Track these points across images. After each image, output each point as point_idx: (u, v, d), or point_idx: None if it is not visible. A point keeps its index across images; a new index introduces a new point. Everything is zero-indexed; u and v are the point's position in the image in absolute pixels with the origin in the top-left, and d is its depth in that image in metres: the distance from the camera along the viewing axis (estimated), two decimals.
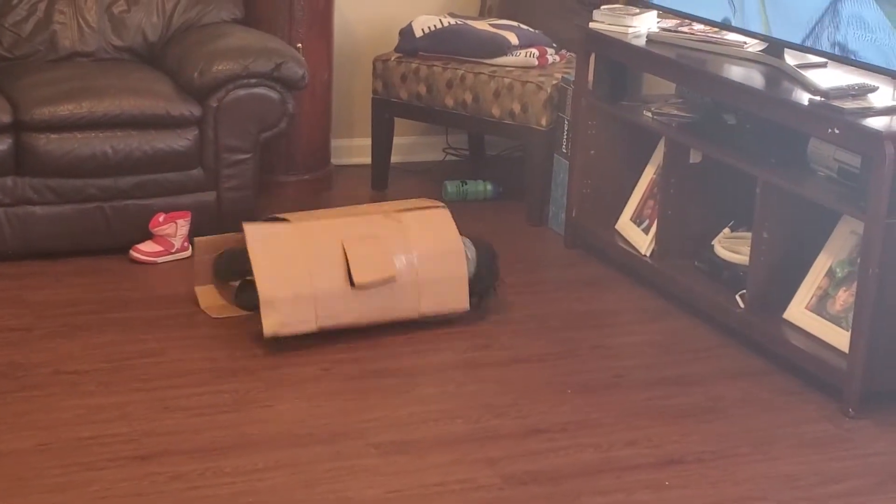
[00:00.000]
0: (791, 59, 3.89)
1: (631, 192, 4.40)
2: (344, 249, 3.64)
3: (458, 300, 3.81)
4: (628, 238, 4.34)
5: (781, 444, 3.26)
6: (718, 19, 4.11)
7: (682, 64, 4.05)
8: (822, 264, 3.66)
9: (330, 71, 5.01)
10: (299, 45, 4.80)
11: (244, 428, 3.21)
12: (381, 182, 5.13)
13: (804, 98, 3.56)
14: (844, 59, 3.62)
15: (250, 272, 3.60)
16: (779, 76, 3.83)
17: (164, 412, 3.26)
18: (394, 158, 5.18)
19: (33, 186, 4.12)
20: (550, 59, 4.86)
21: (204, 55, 4.34)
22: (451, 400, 3.42)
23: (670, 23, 4.37)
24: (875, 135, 3.28)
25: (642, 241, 4.25)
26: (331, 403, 3.36)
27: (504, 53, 4.81)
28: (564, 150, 4.62)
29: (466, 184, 5.06)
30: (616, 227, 4.42)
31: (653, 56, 4.16)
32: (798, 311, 3.67)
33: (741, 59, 4.01)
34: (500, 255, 4.01)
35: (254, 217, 4.37)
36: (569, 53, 4.90)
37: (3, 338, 3.64)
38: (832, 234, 3.66)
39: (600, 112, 4.42)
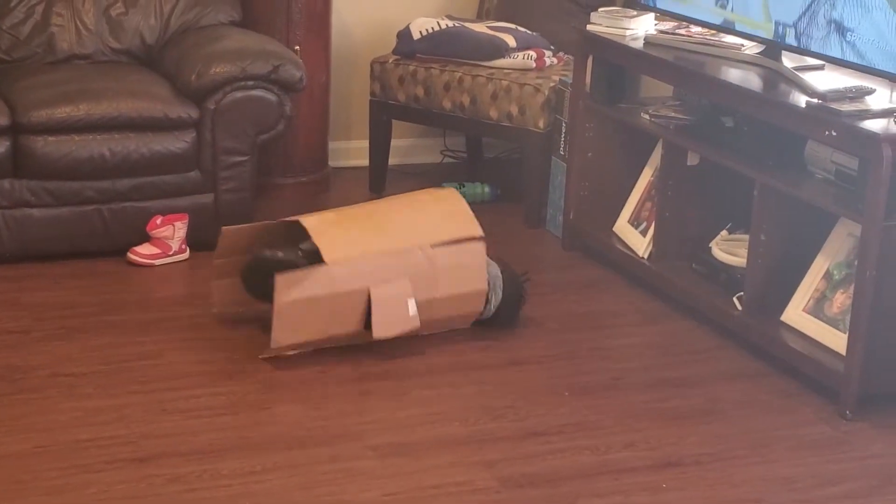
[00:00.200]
0: (788, 61, 3.89)
1: (628, 195, 4.40)
2: (369, 297, 3.56)
3: (464, 323, 3.83)
4: (626, 240, 4.34)
5: (779, 447, 3.26)
6: (717, 17, 4.11)
7: (680, 66, 4.06)
8: (819, 267, 3.67)
9: (327, 73, 5.01)
10: (297, 47, 4.80)
11: (242, 430, 3.21)
12: (379, 184, 5.13)
13: (801, 100, 3.56)
14: (842, 61, 3.63)
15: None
16: (776, 78, 3.83)
17: (162, 414, 3.26)
18: (391, 161, 5.19)
19: (31, 189, 4.12)
20: (548, 61, 4.86)
21: (201, 57, 4.34)
22: (448, 402, 3.42)
23: (668, 25, 4.38)
24: (872, 137, 3.28)
25: (640, 244, 4.25)
26: (328, 406, 3.36)
27: (502, 56, 4.81)
28: (562, 153, 4.62)
29: (464, 186, 5.06)
30: (614, 229, 4.42)
31: (650, 58, 4.16)
32: (795, 314, 3.67)
33: (739, 61, 4.01)
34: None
35: (251, 219, 4.38)
36: (566, 56, 4.90)
37: (0, 340, 3.64)
38: (829, 236, 3.66)
39: (598, 114, 4.43)
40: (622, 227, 4.39)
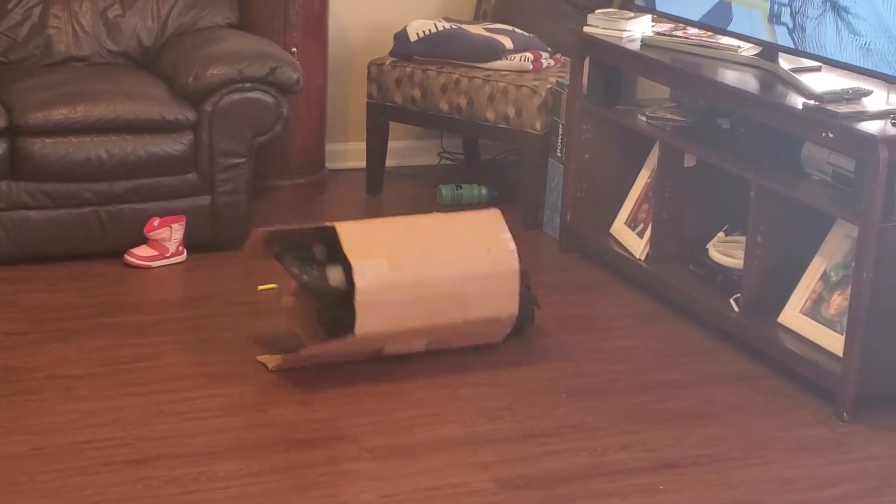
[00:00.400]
0: (785, 63, 3.89)
1: (625, 196, 4.40)
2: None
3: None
4: (623, 242, 4.34)
5: (776, 448, 3.26)
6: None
7: (677, 68, 4.06)
8: (816, 268, 3.67)
9: (325, 75, 5.01)
10: (294, 49, 4.80)
11: (238, 432, 3.21)
12: (376, 186, 5.13)
13: (798, 102, 3.56)
14: (839, 63, 3.63)
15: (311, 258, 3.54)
16: (773, 80, 3.83)
17: (159, 416, 3.26)
18: (388, 162, 5.18)
19: (28, 191, 4.12)
20: (545, 63, 4.86)
21: (199, 59, 4.34)
22: (445, 404, 3.42)
23: (665, 27, 4.38)
24: (869, 139, 3.28)
25: (637, 245, 4.25)
26: (324, 407, 3.35)
27: (498, 57, 4.81)
28: (559, 154, 4.62)
29: (461, 188, 5.06)
30: (610, 230, 4.42)
31: (647, 60, 4.16)
32: (792, 315, 3.67)
33: (735, 63, 4.01)
34: None
35: (248, 221, 4.38)
36: (563, 57, 4.90)
37: None
38: (826, 237, 3.66)
39: (595, 116, 4.43)
40: (619, 228, 4.39)
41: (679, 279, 4.04)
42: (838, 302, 3.56)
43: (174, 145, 4.24)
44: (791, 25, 3.77)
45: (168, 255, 4.24)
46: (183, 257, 4.28)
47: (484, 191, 5.07)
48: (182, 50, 4.51)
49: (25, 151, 4.09)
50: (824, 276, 3.64)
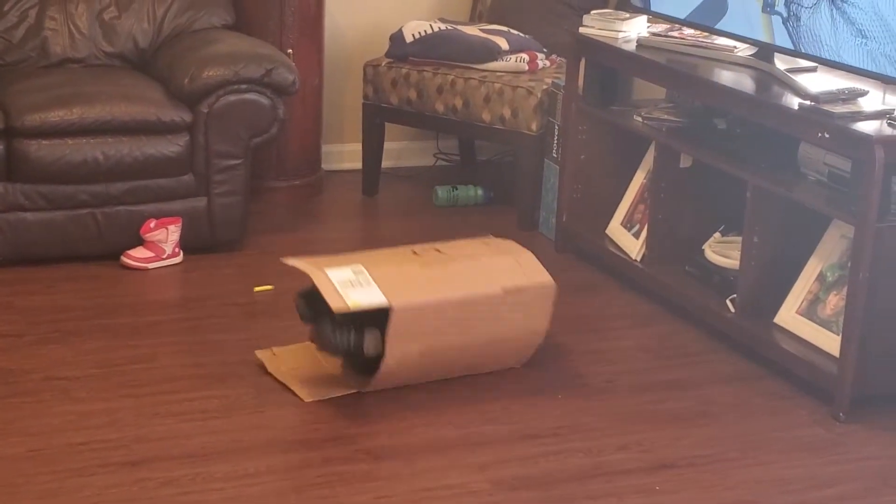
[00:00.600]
0: (781, 63, 3.90)
1: (621, 197, 4.40)
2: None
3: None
4: (619, 243, 4.34)
5: (773, 449, 3.26)
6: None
7: (673, 68, 4.06)
8: (812, 268, 3.67)
9: (320, 76, 5.01)
10: (290, 50, 4.80)
11: (235, 433, 3.21)
12: (372, 187, 5.13)
13: (794, 102, 3.56)
14: (835, 63, 3.63)
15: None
16: (769, 80, 3.84)
17: (155, 418, 3.26)
18: (384, 164, 5.19)
19: (24, 193, 4.12)
20: (541, 63, 4.86)
21: (194, 61, 4.34)
22: (441, 405, 3.41)
23: (660, 27, 4.38)
24: (865, 139, 3.28)
25: (633, 246, 4.26)
26: (321, 409, 3.35)
27: (494, 58, 4.82)
28: (555, 155, 4.62)
29: (457, 189, 5.07)
30: (606, 231, 4.43)
31: (643, 61, 4.16)
32: (789, 316, 3.68)
33: (731, 63, 4.01)
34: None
35: (244, 223, 4.38)
36: (559, 58, 4.90)
37: None
38: (822, 238, 3.67)
39: (590, 117, 4.43)
40: (615, 229, 4.40)
41: (675, 280, 4.04)
42: (834, 302, 3.57)
43: (170, 147, 4.24)
44: (785, 14, 3.77)
45: (164, 256, 4.24)
46: (179, 259, 4.28)
47: (480, 192, 5.07)
48: (178, 51, 4.51)
49: (22, 153, 4.08)
50: (820, 277, 3.64)
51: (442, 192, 5.05)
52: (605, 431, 3.30)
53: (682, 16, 4.24)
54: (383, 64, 4.96)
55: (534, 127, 4.68)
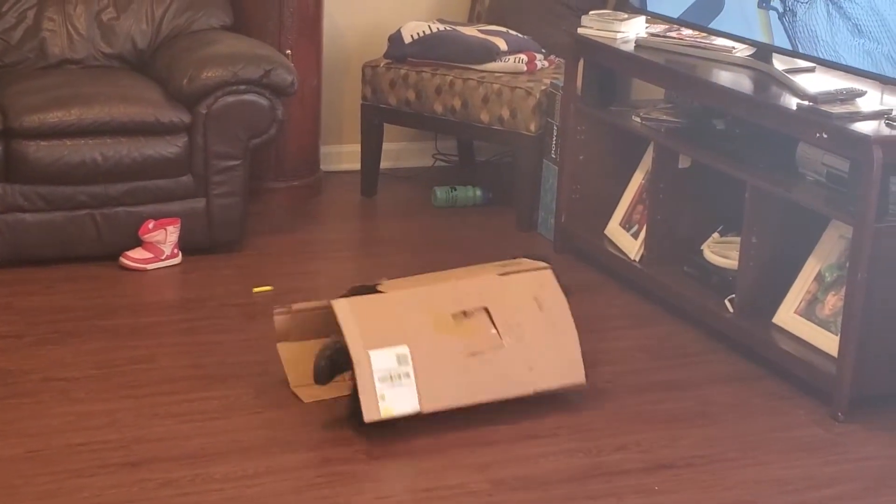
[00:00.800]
0: (779, 63, 3.90)
1: (620, 198, 4.40)
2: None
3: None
4: (617, 243, 4.35)
5: (771, 449, 3.26)
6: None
7: (671, 69, 4.07)
8: (811, 269, 3.67)
9: (319, 77, 5.01)
10: (288, 51, 4.80)
11: (234, 434, 3.21)
12: (371, 188, 5.14)
13: (792, 103, 3.57)
14: (833, 63, 3.64)
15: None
16: (767, 81, 3.84)
17: (154, 419, 3.26)
18: (383, 164, 5.19)
19: (23, 194, 4.12)
20: (539, 64, 4.87)
21: (193, 62, 4.34)
22: None
23: (659, 28, 4.38)
24: (863, 139, 3.29)
25: (631, 246, 4.26)
26: (321, 409, 3.35)
27: (493, 59, 4.82)
28: (553, 156, 4.63)
29: (456, 190, 5.07)
30: (605, 232, 4.43)
31: (641, 61, 4.17)
32: (787, 316, 3.68)
33: (730, 63, 4.02)
34: (490, 261, 4.01)
35: (243, 224, 4.38)
36: (557, 59, 4.90)
37: None
38: (821, 238, 3.67)
39: (589, 117, 4.43)
40: (614, 229, 4.40)
41: (674, 280, 4.04)
42: (833, 302, 3.57)
43: (169, 148, 4.24)
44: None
45: (163, 257, 4.24)
46: (178, 260, 4.28)
47: (478, 192, 5.08)
48: (176, 52, 4.51)
49: (20, 154, 4.08)
50: (819, 277, 3.65)
51: (441, 192, 5.05)
52: (604, 432, 3.30)
53: (677, 13, 4.24)
54: (382, 65, 4.96)
55: (532, 127, 4.68)
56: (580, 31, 4.39)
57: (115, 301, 3.99)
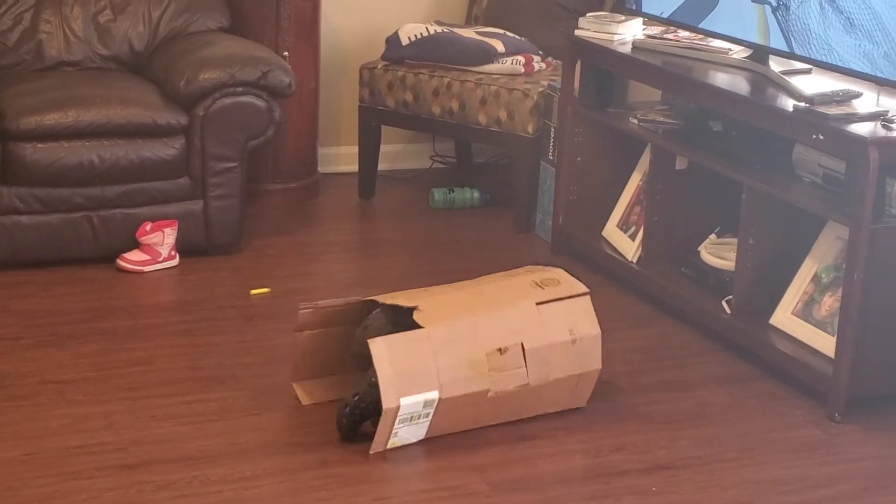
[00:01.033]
0: (776, 65, 3.90)
1: (617, 199, 4.40)
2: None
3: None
4: (615, 244, 4.35)
5: (769, 450, 3.26)
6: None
7: (668, 71, 4.07)
8: (807, 270, 3.68)
9: (317, 79, 5.01)
10: (286, 53, 4.80)
11: (232, 436, 3.21)
12: (369, 190, 5.14)
13: (789, 104, 3.57)
14: (829, 65, 3.64)
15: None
16: (764, 82, 3.84)
17: (152, 421, 3.26)
18: (381, 166, 5.19)
19: (20, 196, 4.12)
20: (536, 66, 4.87)
21: (190, 64, 4.34)
22: None
23: (655, 30, 4.39)
24: (859, 140, 3.29)
25: (629, 248, 4.26)
26: (318, 411, 3.35)
27: (490, 61, 4.82)
28: (551, 157, 4.63)
29: (453, 191, 5.07)
30: (603, 233, 4.43)
31: (638, 63, 4.17)
32: (784, 317, 3.68)
33: (726, 65, 4.02)
34: (488, 263, 4.01)
35: (240, 225, 4.38)
36: (555, 61, 4.91)
37: None
38: (817, 239, 3.67)
39: (586, 119, 4.43)
40: (611, 231, 4.40)
41: (671, 281, 4.04)
42: (829, 303, 3.57)
43: (166, 150, 4.24)
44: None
45: (160, 259, 4.24)
46: (175, 262, 4.28)
47: (476, 194, 5.08)
48: (173, 54, 4.51)
49: (17, 156, 4.08)
50: (815, 278, 3.65)
51: (438, 194, 5.05)
52: (602, 433, 3.30)
53: (671, 10, 4.24)
54: (379, 66, 4.96)
55: (530, 129, 4.68)
56: (577, 32, 4.39)
57: (113, 303, 3.99)
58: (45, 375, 3.48)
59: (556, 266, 3.52)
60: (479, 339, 3.20)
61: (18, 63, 4.58)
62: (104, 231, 4.22)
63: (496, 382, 3.21)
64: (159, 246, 4.23)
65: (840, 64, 3.58)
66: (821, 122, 3.40)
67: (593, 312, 3.38)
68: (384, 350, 3.08)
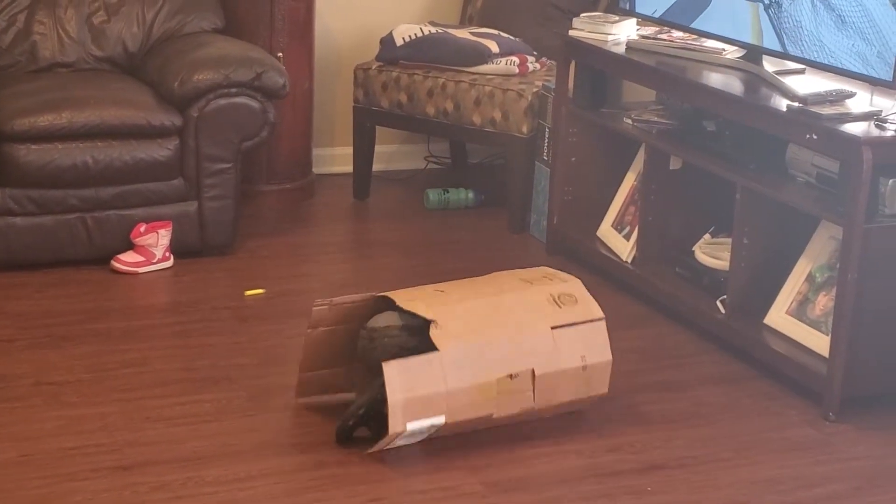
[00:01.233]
0: (769, 65, 3.91)
1: (612, 199, 4.41)
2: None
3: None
4: (609, 245, 4.35)
5: (763, 449, 3.27)
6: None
7: (662, 71, 4.07)
8: (801, 269, 3.68)
9: (311, 80, 5.01)
10: (280, 54, 4.80)
11: (227, 437, 3.21)
12: (363, 191, 5.14)
13: (783, 104, 3.58)
14: (822, 64, 3.64)
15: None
16: (757, 82, 3.85)
17: (146, 422, 3.26)
18: (375, 167, 5.19)
19: (14, 197, 4.11)
20: (531, 66, 4.87)
21: (184, 65, 4.34)
22: None
23: (649, 30, 4.39)
24: (853, 140, 3.30)
25: (623, 248, 4.26)
26: (314, 412, 3.35)
27: (485, 61, 4.82)
28: (545, 158, 4.63)
29: (448, 192, 5.07)
30: (597, 233, 4.43)
31: (632, 63, 4.17)
32: (778, 316, 3.69)
33: (720, 65, 4.03)
34: (483, 263, 4.02)
35: (235, 227, 4.38)
36: (549, 61, 4.91)
37: None
38: (811, 239, 3.68)
39: (581, 119, 4.44)
40: (606, 231, 4.40)
41: (665, 281, 4.05)
42: (824, 303, 3.58)
43: (160, 151, 4.23)
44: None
45: (155, 260, 4.24)
46: (170, 263, 4.28)
47: (471, 195, 5.08)
48: (168, 55, 4.51)
49: (11, 158, 4.08)
50: (809, 278, 3.65)
51: (433, 195, 5.05)
52: (597, 433, 3.31)
53: (664, 8, 4.25)
54: (374, 67, 4.96)
55: (524, 129, 4.69)
56: (571, 33, 4.40)
57: (107, 305, 3.99)
58: (39, 377, 3.47)
59: (573, 276, 3.48)
60: (490, 364, 3.18)
61: (12, 64, 4.58)
62: (98, 232, 4.21)
63: (501, 406, 3.21)
64: (153, 247, 4.23)
65: (833, 63, 3.59)
66: (814, 122, 3.40)
67: (607, 338, 3.36)
68: (396, 375, 3.07)
